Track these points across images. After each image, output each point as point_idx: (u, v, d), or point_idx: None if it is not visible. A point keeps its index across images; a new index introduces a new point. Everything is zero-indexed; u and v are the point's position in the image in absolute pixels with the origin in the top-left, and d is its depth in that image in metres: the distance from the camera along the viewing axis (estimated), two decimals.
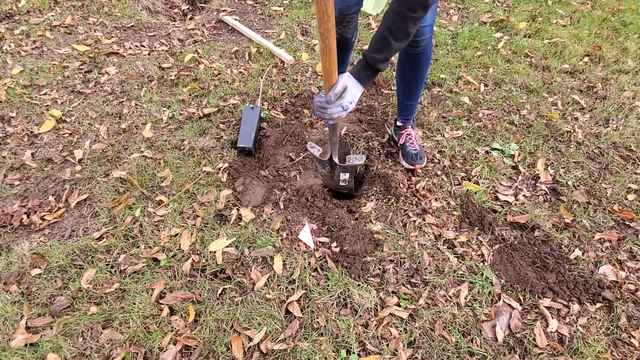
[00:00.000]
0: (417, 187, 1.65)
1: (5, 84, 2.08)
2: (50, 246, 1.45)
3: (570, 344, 1.23)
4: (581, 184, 1.69)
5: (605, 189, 1.67)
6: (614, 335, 1.25)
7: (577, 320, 1.29)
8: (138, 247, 1.44)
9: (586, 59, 2.38)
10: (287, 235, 1.49)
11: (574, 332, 1.26)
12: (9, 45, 2.31)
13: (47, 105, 2.00)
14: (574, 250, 1.45)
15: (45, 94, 2.07)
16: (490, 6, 2.89)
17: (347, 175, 1.50)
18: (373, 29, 2.60)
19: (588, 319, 1.29)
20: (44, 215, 1.55)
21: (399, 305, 1.31)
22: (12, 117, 1.93)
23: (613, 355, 1.21)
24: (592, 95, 2.14)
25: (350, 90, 1.13)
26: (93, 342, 1.22)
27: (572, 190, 1.66)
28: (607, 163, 1.78)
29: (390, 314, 1.28)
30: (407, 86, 1.60)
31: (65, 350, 1.20)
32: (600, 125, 1.98)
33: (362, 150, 1.82)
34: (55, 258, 1.41)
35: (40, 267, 1.39)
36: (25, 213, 1.56)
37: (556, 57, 2.40)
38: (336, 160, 1.42)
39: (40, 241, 1.47)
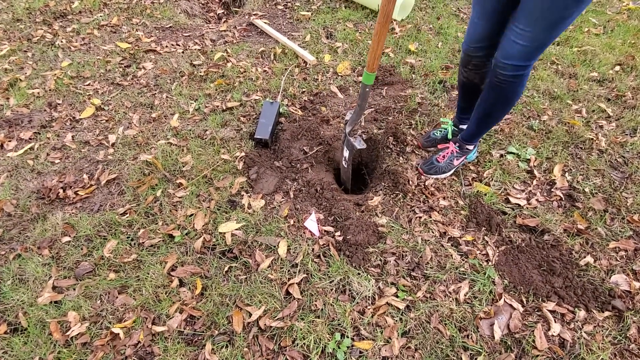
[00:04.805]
0: (426, 185, 1.66)
1: (55, 74, 2.31)
2: (80, 218, 1.59)
3: (571, 349, 1.20)
4: (600, 191, 1.64)
5: (626, 198, 1.61)
6: (621, 345, 1.21)
7: (582, 327, 1.25)
8: (156, 223, 1.56)
9: (617, 67, 2.30)
10: (294, 222, 1.55)
11: (577, 338, 1.22)
12: (61, 41, 2.57)
13: (89, 95, 2.20)
14: (585, 257, 1.41)
15: (88, 84, 2.28)
16: None
17: (347, 153, 1.55)
18: (396, 34, 2.64)
19: (594, 326, 1.25)
20: (77, 191, 1.71)
21: (396, 295, 1.32)
22: (59, 104, 2.14)
23: None
24: (620, 104, 2.07)
25: None
26: (109, 305, 1.33)
27: (589, 198, 1.61)
28: (631, 172, 1.71)
29: (387, 303, 1.30)
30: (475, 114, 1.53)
31: (85, 310, 1.31)
32: (626, 134, 1.90)
33: (383, 147, 1.86)
34: (83, 228, 1.55)
35: (70, 236, 1.53)
36: (61, 188, 1.72)
37: (585, 65, 2.33)
38: (347, 130, 1.47)
39: (72, 213, 1.62)
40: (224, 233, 1.51)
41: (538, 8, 1.09)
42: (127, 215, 1.59)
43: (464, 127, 1.74)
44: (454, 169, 1.70)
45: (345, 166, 1.64)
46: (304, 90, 2.21)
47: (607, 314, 1.27)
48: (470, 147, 1.67)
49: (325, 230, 1.52)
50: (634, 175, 1.70)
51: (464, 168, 1.74)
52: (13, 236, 1.54)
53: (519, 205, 1.59)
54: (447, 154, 1.67)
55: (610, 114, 2.00)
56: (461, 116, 1.74)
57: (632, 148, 1.81)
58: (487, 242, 1.48)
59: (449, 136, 1.77)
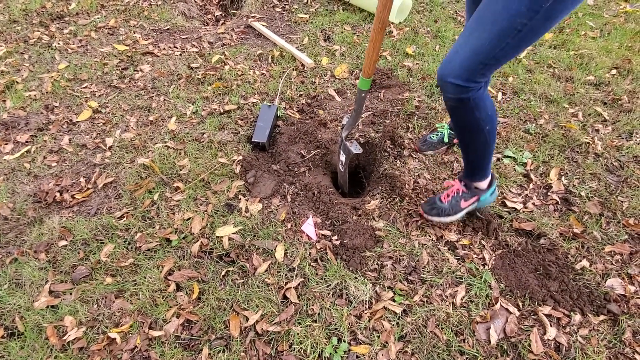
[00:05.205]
0: (423, 189, 1.66)
1: (52, 77, 2.30)
2: (77, 222, 1.58)
3: (567, 353, 1.20)
4: (596, 195, 1.65)
5: (622, 202, 1.62)
6: (617, 349, 1.21)
7: (578, 331, 1.25)
8: (153, 227, 1.56)
9: (614, 71, 2.31)
10: (292, 226, 1.55)
11: (573, 342, 1.23)
12: (58, 43, 2.56)
13: (87, 97, 2.20)
14: (580, 261, 1.42)
15: (85, 87, 2.27)
16: None
17: (344, 157, 1.57)
18: (394, 37, 2.65)
19: (590, 330, 1.26)
20: (74, 194, 1.70)
21: (393, 300, 1.33)
22: (55, 107, 2.14)
23: None
24: (616, 107, 2.08)
25: None
26: (106, 309, 1.33)
27: (585, 202, 1.62)
28: (627, 176, 1.72)
29: (384, 307, 1.31)
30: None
31: (81, 314, 1.31)
32: (622, 138, 1.91)
33: (380, 151, 1.86)
34: (80, 232, 1.54)
35: (66, 240, 1.53)
36: (58, 191, 1.71)
37: (582, 68, 2.35)
38: (344, 134, 1.49)
39: (69, 217, 1.62)
40: (221, 237, 1.51)
41: (489, 9, 0.94)
42: (124, 219, 1.59)
43: None
44: (462, 212, 1.46)
45: (342, 170, 1.65)
46: (301, 93, 2.22)
47: (602, 317, 1.28)
48: (481, 186, 1.43)
49: (322, 234, 1.52)
50: (629, 179, 1.71)
51: (461, 171, 1.75)
52: (9, 240, 1.54)
53: (516, 209, 1.60)
54: (452, 192, 1.46)
55: (607, 118, 2.01)
56: None
57: (628, 152, 1.82)
58: (483, 245, 1.49)
59: (445, 139, 1.78)
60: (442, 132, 1.80)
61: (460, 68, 1.01)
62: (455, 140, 1.80)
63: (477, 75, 1.02)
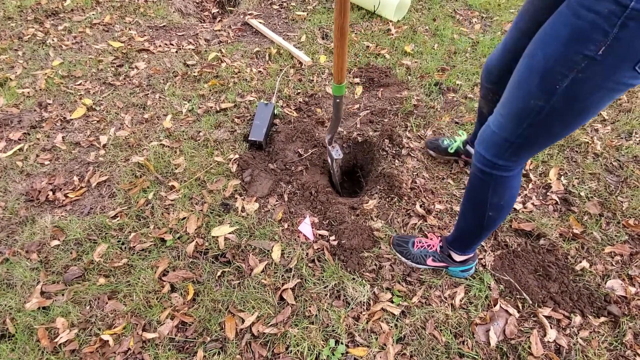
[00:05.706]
0: (422, 189, 1.65)
1: (46, 73, 2.26)
2: (70, 221, 1.56)
3: (567, 355, 1.19)
4: (595, 195, 1.63)
5: (622, 202, 1.60)
6: (617, 352, 1.20)
7: (578, 333, 1.24)
8: (148, 227, 1.53)
9: None
10: (288, 226, 1.53)
11: (574, 344, 1.21)
12: (52, 40, 2.52)
13: (81, 95, 2.16)
14: (580, 262, 1.40)
15: (80, 84, 2.24)
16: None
17: (330, 160, 1.61)
18: (392, 35, 2.63)
19: (590, 332, 1.24)
20: (67, 193, 1.67)
21: (391, 301, 1.31)
22: (49, 104, 2.10)
23: None
24: (615, 107, 2.07)
25: None
26: (99, 310, 1.30)
27: (585, 202, 1.61)
28: (626, 176, 1.71)
29: (382, 309, 1.29)
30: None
31: (73, 316, 1.28)
32: (622, 138, 1.90)
33: (379, 150, 1.84)
34: (73, 232, 1.51)
35: (59, 239, 1.50)
36: (51, 190, 1.68)
37: None
38: (327, 138, 1.52)
39: (62, 216, 1.59)
40: (217, 237, 1.48)
41: (511, 86, 0.86)
42: (118, 218, 1.56)
43: (472, 150, 1.63)
44: (427, 267, 1.38)
45: (332, 171, 1.66)
46: (299, 91, 2.19)
47: (602, 319, 1.27)
48: (455, 257, 1.30)
49: (319, 234, 1.50)
50: (629, 179, 1.70)
51: (460, 171, 1.73)
52: (1, 239, 1.51)
53: (515, 209, 1.58)
54: (425, 246, 1.37)
55: (606, 118, 2.00)
56: (473, 138, 1.63)
57: (628, 152, 1.81)
58: (482, 246, 1.47)
59: (451, 150, 1.69)
60: (454, 142, 1.69)
61: (490, 141, 0.94)
62: (464, 158, 1.71)
63: (505, 153, 0.92)
